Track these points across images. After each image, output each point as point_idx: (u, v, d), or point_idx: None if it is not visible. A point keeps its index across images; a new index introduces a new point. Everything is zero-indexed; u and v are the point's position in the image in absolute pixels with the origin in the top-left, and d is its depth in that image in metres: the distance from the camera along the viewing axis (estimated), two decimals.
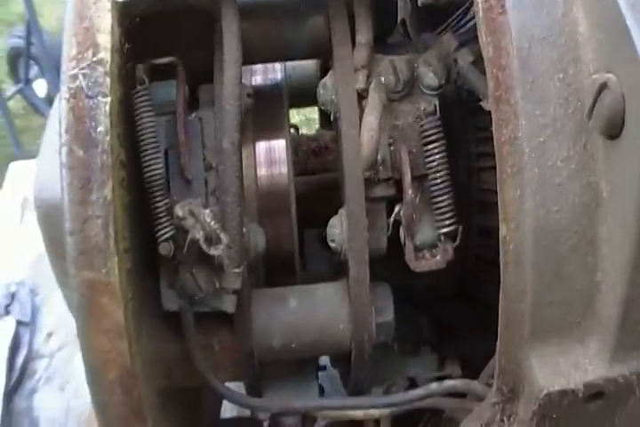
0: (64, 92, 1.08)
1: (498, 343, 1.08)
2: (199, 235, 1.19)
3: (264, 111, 1.43)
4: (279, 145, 1.42)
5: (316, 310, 1.35)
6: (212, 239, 1.20)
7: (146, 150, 1.22)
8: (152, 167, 1.22)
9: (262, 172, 1.41)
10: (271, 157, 1.42)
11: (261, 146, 1.42)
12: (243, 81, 1.30)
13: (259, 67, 1.53)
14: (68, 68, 1.09)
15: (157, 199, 1.22)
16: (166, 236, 1.21)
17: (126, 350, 1.10)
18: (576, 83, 1.01)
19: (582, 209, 1.01)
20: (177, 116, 1.25)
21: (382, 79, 1.22)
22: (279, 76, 1.54)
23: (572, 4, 1.02)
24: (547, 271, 1.02)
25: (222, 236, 1.19)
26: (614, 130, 0.95)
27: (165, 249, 1.22)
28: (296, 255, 1.44)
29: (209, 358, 1.34)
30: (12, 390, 2.36)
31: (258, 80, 1.53)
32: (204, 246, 1.19)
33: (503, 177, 1.01)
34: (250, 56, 1.36)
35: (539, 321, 1.05)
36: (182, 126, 1.25)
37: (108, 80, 1.08)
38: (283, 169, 1.41)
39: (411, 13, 1.41)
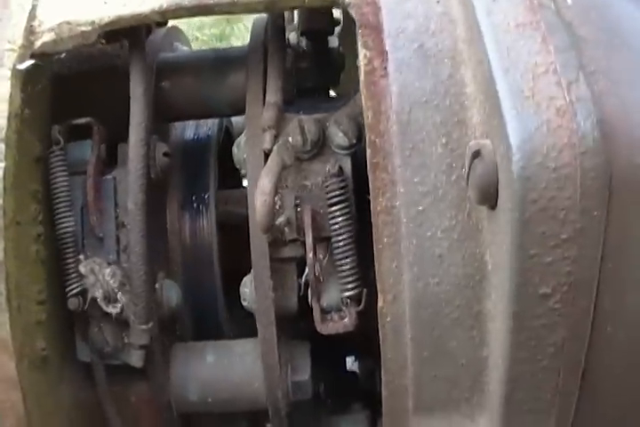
0: None
1: (383, 415, 1.03)
2: (98, 293, 1.22)
3: (191, 166, 1.44)
4: (204, 201, 1.42)
5: (232, 367, 1.32)
6: (109, 298, 1.21)
7: (58, 208, 1.24)
8: (62, 225, 1.24)
9: (186, 226, 1.41)
10: (196, 212, 1.41)
11: (186, 201, 1.42)
12: (174, 136, 1.35)
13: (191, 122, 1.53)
14: None
15: (67, 256, 1.25)
16: (74, 291, 1.23)
17: (20, 401, 1.12)
18: (460, 147, 0.96)
19: (465, 282, 0.96)
20: (87, 177, 1.26)
21: (290, 139, 1.19)
22: (210, 130, 1.53)
23: (459, 64, 0.98)
24: (427, 345, 0.97)
25: (119, 295, 1.22)
26: (490, 200, 0.90)
27: (73, 304, 1.24)
28: (220, 308, 1.42)
29: (124, 408, 1.34)
30: None
31: (189, 135, 1.52)
32: (103, 304, 1.22)
33: (379, 247, 0.97)
34: (172, 113, 1.38)
35: (422, 396, 1.00)
36: (91, 187, 1.26)
37: (2, 146, 1.11)
38: (206, 223, 1.40)
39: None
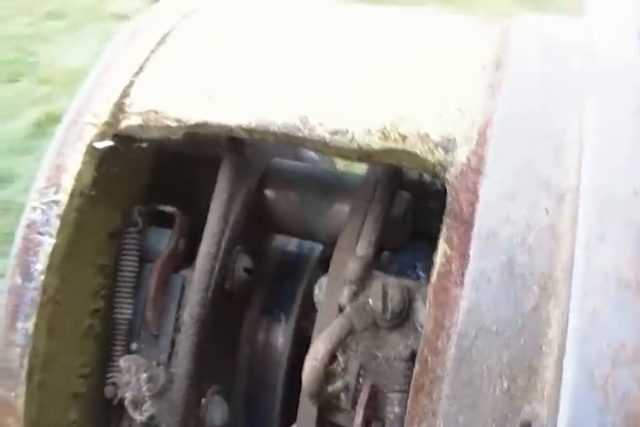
0: (23, 220, 1.08)
1: None
2: (128, 394, 1.13)
3: (282, 279, 1.31)
4: (286, 314, 1.30)
5: None
6: (137, 403, 1.13)
7: (119, 292, 1.18)
8: (119, 311, 1.18)
9: (260, 338, 1.30)
10: (274, 323, 1.30)
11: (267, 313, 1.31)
12: (275, 243, 1.27)
13: None
14: (32, 197, 1.08)
15: (117, 341, 1.18)
16: (112, 380, 1.16)
17: None
18: (524, 398, 0.78)
19: None
20: (152, 270, 1.17)
21: (370, 302, 1.03)
22: (314, 249, 1.38)
23: (549, 296, 0.78)
24: None
25: (149, 404, 1.12)
26: None
27: (109, 392, 1.17)
28: None
29: None
30: None
31: (292, 246, 1.39)
32: (129, 408, 1.13)
33: None
34: (270, 224, 1.28)
35: None
36: (155, 281, 1.16)
37: (58, 222, 1.06)
38: (282, 338, 1.28)
39: None
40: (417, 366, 0.83)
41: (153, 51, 1.11)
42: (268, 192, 1.24)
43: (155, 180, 1.20)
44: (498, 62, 0.93)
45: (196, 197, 1.17)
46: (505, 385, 0.78)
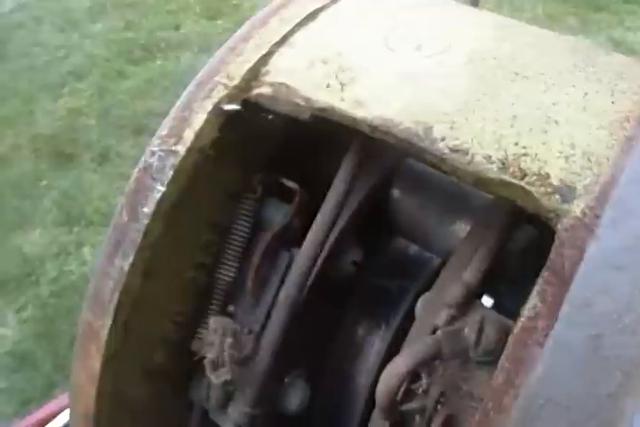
0: (141, 161, 1.10)
1: None
2: (209, 354, 1.11)
3: (384, 290, 1.25)
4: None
5: None
6: (217, 364, 1.10)
7: (226, 253, 1.17)
8: (222, 271, 1.17)
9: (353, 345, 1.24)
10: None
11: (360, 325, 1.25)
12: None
13: None
14: (153, 142, 1.09)
15: (214, 300, 1.18)
16: (198, 336, 1.17)
17: (93, 395, 1.12)
18: None
19: None
20: (262, 241, 1.16)
21: (465, 331, 0.98)
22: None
23: (629, 387, 0.72)
24: None
25: (228, 368, 1.12)
26: None
27: (195, 346, 1.17)
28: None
29: None
30: None
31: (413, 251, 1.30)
32: (207, 367, 1.11)
33: None
34: (390, 225, 1.23)
35: None
36: (261, 251, 1.16)
37: (171, 173, 1.06)
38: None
39: None
40: (478, 415, 0.80)
41: (300, 24, 1.07)
42: (395, 192, 1.20)
43: (284, 152, 1.17)
44: None
45: (322, 178, 1.13)
46: None
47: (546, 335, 0.76)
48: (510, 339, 0.79)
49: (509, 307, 1.02)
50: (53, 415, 2.27)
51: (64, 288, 3.03)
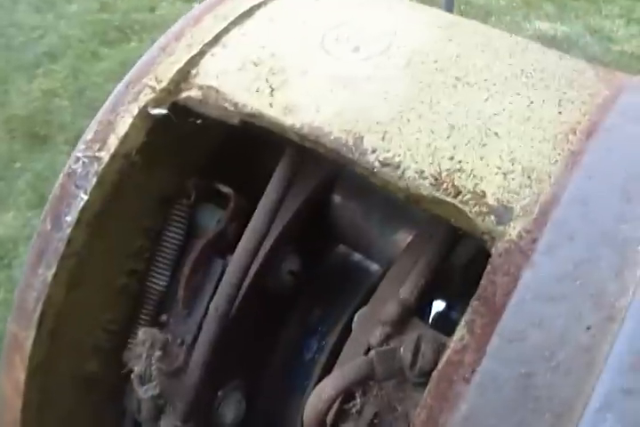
0: (67, 167, 1.05)
1: None
2: (137, 367, 1.07)
3: (334, 291, 1.19)
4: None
5: None
6: (144, 379, 1.07)
7: (157, 261, 1.13)
8: (154, 279, 1.13)
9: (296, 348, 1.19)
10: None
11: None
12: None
13: None
14: (79, 147, 1.04)
15: (145, 310, 1.14)
16: (130, 346, 1.11)
17: (19, 407, 1.08)
18: None
19: None
20: (191, 251, 1.10)
21: (401, 351, 0.92)
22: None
23: (559, 421, 0.66)
24: None
25: (153, 385, 1.07)
26: None
27: (126, 357, 1.12)
28: None
29: None
30: None
31: (353, 259, 1.24)
32: (134, 381, 1.07)
33: None
34: (331, 232, 1.18)
35: None
36: (193, 259, 1.10)
37: (94, 180, 1.01)
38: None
39: None
40: None
41: (235, 23, 1.00)
42: (336, 197, 1.14)
43: (220, 156, 1.12)
44: (592, 129, 0.76)
45: (260, 182, 1.08)
46: None
47: (473, 371, 0.70)
48: (434, 374, 0.73)
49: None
50: None
51: None
